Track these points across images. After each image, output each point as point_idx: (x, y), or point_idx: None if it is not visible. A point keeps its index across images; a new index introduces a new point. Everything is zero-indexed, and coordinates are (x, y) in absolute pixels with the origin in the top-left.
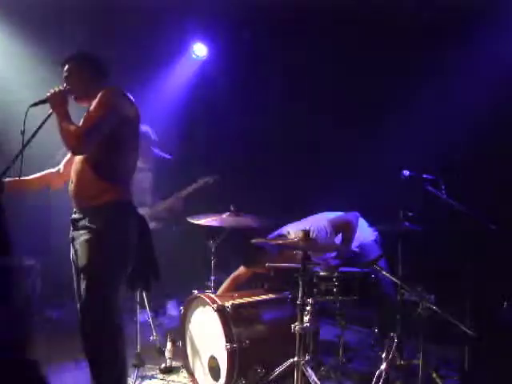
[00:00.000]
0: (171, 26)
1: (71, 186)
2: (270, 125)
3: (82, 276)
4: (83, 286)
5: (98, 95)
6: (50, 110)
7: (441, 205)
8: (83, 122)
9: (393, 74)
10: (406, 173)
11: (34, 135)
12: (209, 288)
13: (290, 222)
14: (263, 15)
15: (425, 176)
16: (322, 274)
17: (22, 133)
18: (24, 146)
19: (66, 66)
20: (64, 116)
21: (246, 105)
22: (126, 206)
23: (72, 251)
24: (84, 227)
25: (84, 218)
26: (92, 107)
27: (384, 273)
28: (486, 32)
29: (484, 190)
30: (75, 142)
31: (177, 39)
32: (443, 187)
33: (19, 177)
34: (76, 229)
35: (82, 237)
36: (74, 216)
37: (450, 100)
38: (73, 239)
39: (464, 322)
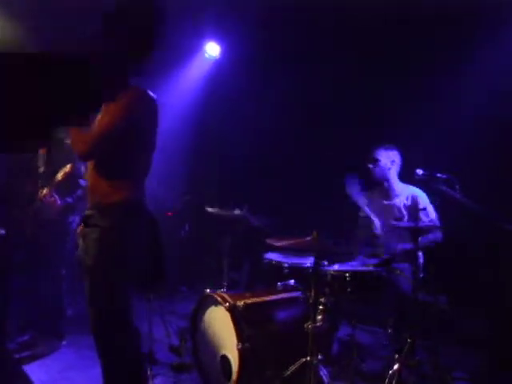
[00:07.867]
0: (184, 25)
1: (87, 183)
2: (283, 124)
3: (86, 274)
4: (87, 283)
5: (122, 98)
6: None
7: (455, 204)
8: (99, 125)
9: (407, 75)
10: (420, 172)
11: None
12: (221, 287)
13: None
14: (277, 14)
15: (439, 175)
16: (334, 272)
17: None
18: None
19: None
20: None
21: (259, 104)
22: (136, 206)
23: (80, 248)
24: (93, 225)
25: (95, 215)
26: (113, 109)
27: (398, 272)
28: (496, 32)
29: (499, 189)
30: (83, 148)
31: (189, 39)
32: (457, 186)
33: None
34: (86, 225)
35: (90, 234)
36: (87, 212)
37: (463, 99)
38: (82, 236)
39: (479, 323)
